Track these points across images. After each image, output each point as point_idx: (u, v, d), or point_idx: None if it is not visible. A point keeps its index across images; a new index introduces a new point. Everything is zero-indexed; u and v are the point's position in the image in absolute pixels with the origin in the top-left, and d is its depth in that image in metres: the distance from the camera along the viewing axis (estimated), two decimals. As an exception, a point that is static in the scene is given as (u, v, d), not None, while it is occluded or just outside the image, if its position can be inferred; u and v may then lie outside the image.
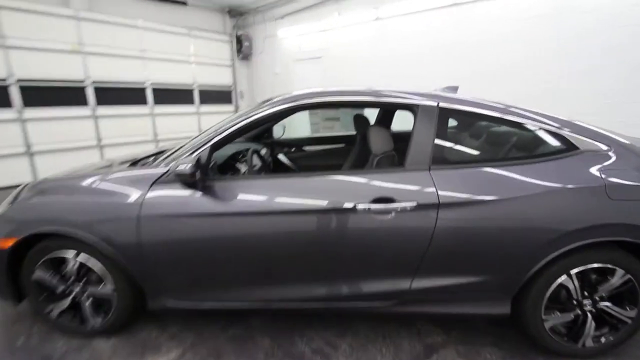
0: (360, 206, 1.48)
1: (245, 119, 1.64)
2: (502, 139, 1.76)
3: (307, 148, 3.30)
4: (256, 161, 2.28)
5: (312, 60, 6.57)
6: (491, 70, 4.52)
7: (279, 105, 1.65)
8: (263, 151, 2.72)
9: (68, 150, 5.23)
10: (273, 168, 3.00)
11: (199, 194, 1.55)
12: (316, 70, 6.52)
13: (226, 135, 1.63)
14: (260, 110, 1.66)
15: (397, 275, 1.58)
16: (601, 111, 3.78)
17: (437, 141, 1.55)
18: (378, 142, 1.79)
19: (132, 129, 5.93)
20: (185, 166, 1.44)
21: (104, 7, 5.63)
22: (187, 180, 1.49)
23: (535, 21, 4.13)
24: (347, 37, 5.96)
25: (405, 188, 1.50)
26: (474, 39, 4.64)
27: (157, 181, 1.59)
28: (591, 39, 3.80)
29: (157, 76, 6.16)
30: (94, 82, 5.38)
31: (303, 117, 5.09)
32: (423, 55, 5.14)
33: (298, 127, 5.24)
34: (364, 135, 2.57)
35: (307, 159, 3.16)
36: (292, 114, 1.69)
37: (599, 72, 3.81)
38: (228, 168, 2.16)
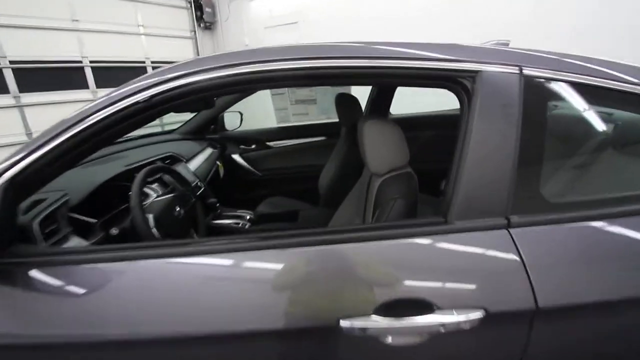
0: (346, 323, 0.63)
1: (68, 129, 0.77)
2: None
3: (274, 144, 2.37)
4: (169, 184, 1.35)
5: (287, 26, 5.53)
6: (495, 30, 3.68)
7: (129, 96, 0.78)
8: (193, 166, 1.78)
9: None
10: (224, 175, 2.10)
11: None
12: (292, 38, 5.50)
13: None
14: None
15: None
16: None
17: (523, 157, 0.68)
18: (380, 153, 0.91)
19: (71, 119, 4.89)
20: None
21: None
22: None
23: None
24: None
25: (455, 272, 0.65)
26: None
27: None
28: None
29: (98, 52, 5.03)
30: (11, 62, 4.26)
31: (263, 97, 3.89)
32: (420, 15, 4.20)
33: (259, 114, 3.99)
34: (352, 129, 1.68)
35: (273, 159, 2.25)
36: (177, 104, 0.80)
37: None
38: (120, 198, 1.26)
